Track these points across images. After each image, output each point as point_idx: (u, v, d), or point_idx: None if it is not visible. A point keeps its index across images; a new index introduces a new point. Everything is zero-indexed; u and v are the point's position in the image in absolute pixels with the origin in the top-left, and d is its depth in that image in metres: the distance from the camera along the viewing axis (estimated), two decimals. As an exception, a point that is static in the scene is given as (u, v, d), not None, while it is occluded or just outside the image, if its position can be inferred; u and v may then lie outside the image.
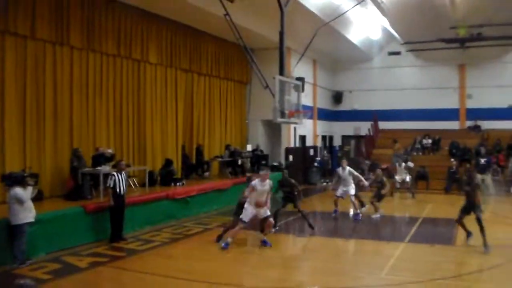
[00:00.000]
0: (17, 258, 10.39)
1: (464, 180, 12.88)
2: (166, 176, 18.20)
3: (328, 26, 21.05)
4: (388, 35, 28.90)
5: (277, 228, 14.40)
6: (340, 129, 33.46)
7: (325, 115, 31.68)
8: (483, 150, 24.59)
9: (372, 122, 30.70)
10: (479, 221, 11.77)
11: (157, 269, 10.50)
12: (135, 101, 18.29)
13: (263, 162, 24.07)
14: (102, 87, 16.81)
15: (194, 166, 21.43)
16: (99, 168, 14.65)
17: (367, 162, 25.99)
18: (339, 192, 16.70)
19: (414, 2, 22.95)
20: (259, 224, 12.94)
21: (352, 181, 16.53)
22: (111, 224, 12.92)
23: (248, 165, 24.08)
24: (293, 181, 15.22)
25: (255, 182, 12.62)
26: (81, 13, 15.62)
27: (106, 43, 16.66)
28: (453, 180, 22.69)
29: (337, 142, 33.66)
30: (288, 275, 10.57)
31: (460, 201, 13.05)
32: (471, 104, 30.11)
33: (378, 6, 22.20)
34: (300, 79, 18.69)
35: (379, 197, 16.75)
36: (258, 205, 12.44)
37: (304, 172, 26.59)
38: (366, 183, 16.67)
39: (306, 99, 25.42)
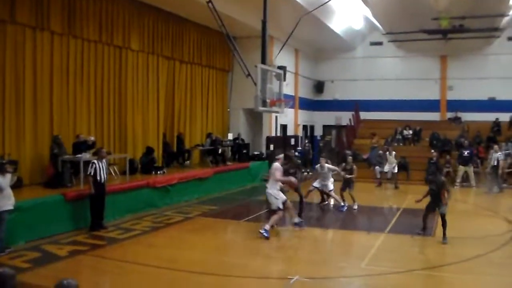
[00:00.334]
0: (-4, 246, 10.27)
1: (431, 169, 12.90)
2: (147, 164, 18.10)
3: (311, 15, 20.97)
4: (371, 25, 28.96)
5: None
6: (321, 119, 33.45)
7: (307, 105, 31.67)
8: (466, 142, 24.75)
9: (353, 112, 30.74)
10: (442, 217, 11.91)
11: (138, 258, 10.45)
12: (116, 88, 18.11)
13: (244, 151, 24.06)
14: (83, 74, 16.60)
15: (175, 155, 21.34)
16: (79, 155, 14.47)
17: (349, 152, 26.04)
18: (316, 183, 16.67)
19: (396, -8, 23.04)
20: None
21: (331, 176, 16.53)
22: (91, 213, 12.84)
23: (229, 154, 24.04)
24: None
25: (277, 164, 13.02)
26: (62, -2, 15.40)
27: (87, 29, 16.42)
28: (432, 172, 22.82)
29: (318, 131, 33.68)
30: (270, 265, 10.59)
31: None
32: (452, 95, 30.30)
33: (361, -5, 22.24)
34: (282, 68, 18.62)
35: (346, 184, 16.78)
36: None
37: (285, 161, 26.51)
38: (342, 173, 16.70)
39: (288, 88, 25.34)
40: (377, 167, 24.43)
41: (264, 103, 16.43)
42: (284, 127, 27.85)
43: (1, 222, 10.35)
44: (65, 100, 15.91)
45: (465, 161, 22.34)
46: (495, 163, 20.78)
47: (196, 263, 10.18)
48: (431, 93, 30.56)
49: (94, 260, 10.39)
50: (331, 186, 16.36)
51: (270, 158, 24.36)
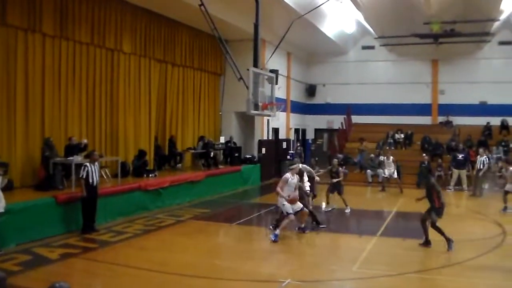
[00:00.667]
0: (-14, 249, 10.22)
1: (423, 172, 12.79)
2: (138, 167, 18.06)
3: (303, 19, 21.04)
4: (363, 29, 29.08)
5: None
6: (313, 122, 33.56)
7: (299, 108, 31.74)
8: (460, 145, 24.86)
9: (345, 116, 30.80)
10: (432, 225, 11.58)
11: (130, 261, 10.43)
12: (108, 90, 18.06)
13: (236, 154, 24.06)
14: (75, 76, 16.54)
15: (167, 158, 21.33)
16: (71, 158, 14.43)
17: (340, 156, 26.12)
18: None
19: (388, -4, 23.12)
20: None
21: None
22: (83, 215, 12.80)
23: (221, 157, 24.03)
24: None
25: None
26: (54, 0, 15.33)
27: (79, 31, 16.37)
28: (425, 175, 22.87)
29: (310, 135, 33.76)
30: (262, 268, 10.55)
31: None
32: (443, 99, 30.47)
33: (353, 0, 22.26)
34: (274, 71, 18.65)
35: (334, 187, 16.79)
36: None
37: (276, 165, 26.60)
38: (317, 178, 16.40)
39: (280, 92, 25.43)
40: (368, 171, 24.53)
41: (256, 107, 16.44)
42: (276, 131, 27.87)
43: (-8, 224, 10.31)
44: (57, 103, 15.84)
45: (459, 165, 22.39)
46: (481, 167, 20.88)
47: (187, 266, 10.15)
48: (423, 97, 30.69)
49: (86, 263, 10.37)
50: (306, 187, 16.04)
51: (261, 161, 24.49)
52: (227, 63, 21.36)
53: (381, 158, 23.68)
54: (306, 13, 20.64)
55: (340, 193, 16.72)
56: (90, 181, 12.71)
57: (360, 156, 26.06)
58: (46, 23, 15.03)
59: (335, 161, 17.69)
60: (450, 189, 21.88)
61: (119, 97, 18.42)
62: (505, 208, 16.35)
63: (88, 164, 12.84)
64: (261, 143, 25.45)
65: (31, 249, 11.01)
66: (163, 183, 17.05)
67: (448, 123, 29.58)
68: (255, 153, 25.31)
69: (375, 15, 25.10)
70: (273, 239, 12.18)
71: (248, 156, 24.96)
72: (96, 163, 13.14)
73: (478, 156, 21.39)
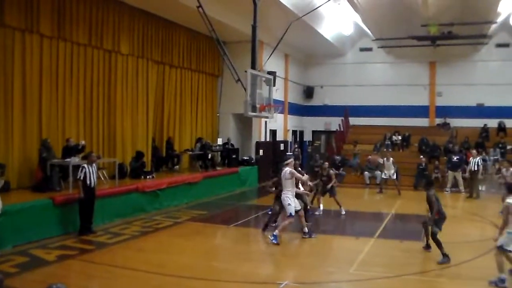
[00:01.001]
0: (-17, 250, 10.19)
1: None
2: (136, 169, 18.03)
3: (301, 21, 21.02)
4: (360, 31, 29.05)
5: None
6: (310, 124, 33.51)
7: (296, 110, 31.72)
8: (455, 148, 24.93)
9: (342, 118, 30.82)
10: (433, 237, 11.16)
11: (127, 262, 10.41)
12: (106, 92, 18.05)
13: (233, 156, 24.03)
14: (72, 77, 16.52)
15: (164, 159, 21.30)
16: (68, 159, 14.40)
17: (338, 157, 26.15)
18: None
19: (386, -1, 23.15)
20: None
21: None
22: (80, 217, 12.75)
23: (218, 158, 24.01)
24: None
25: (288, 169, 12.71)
26: (52, 1, 15.32)
27: (77, 32, 16.36)
28: (422, 177, 22.91)
29: (307, 137, 33.73)
30: (259, 270, 10.53)
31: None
32: (440, 101, 30.50)
33: (351, 1, 22.25)
34: (272, 73, 18.66)
35: (324, 191, 16.80)
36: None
37: (274, 166, 26.56)
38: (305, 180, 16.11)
39: (277, 94, 25.48)
40: (366, 172, 24.57)
41: (253, 108, 16.44)
42: (273, 132, 27.86)
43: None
44: (54, 104, 15.82)
45: (454, 167, 22.45)
46: (475, 168, 20.95)
47: (185, 268, 10.15)
48: (420, 99, 30.69)
49: (83, 264, 10.32)
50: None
51: (258, 163, 24.47)
52: (224, 64, 21.37)
53: (380, 160, 23.68)
54: (304, 15, 20.63)
55: (332, 195, 16.71)
56: (88, 182, 12.67)
57: (354, 159, 26.07)
58: (43, 24, 15.01)
59: (326, 164, 17.66)
60: (447, 191, 21.92)
61: (117, 99, 18.40)
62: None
63: (85, 165, 12.80)
64: (259, 144, 25.44)
65: (28, 251, 10.98)
66: (161, 185, 17.01)
67: (445, 125, 29.61)
68: (253, 155, 25.32)
69: (373, 17, 25.11)
70: (274, 242, 12.10)
71: (245, 158, 24.96)
72: (94, 165, 13.10)
73: (471, 158, 21.48)
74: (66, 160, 14.46)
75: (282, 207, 13.06)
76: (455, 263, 10.46)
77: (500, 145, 25.78)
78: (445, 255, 10.90)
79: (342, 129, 30.61)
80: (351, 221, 16.15)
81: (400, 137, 28.81)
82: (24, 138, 14.79)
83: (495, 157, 23.61)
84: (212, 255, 11.71)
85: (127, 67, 18.97)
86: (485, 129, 27.94)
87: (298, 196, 13.28)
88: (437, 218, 11.23)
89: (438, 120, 30.38)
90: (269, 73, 18.49)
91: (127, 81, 18.93)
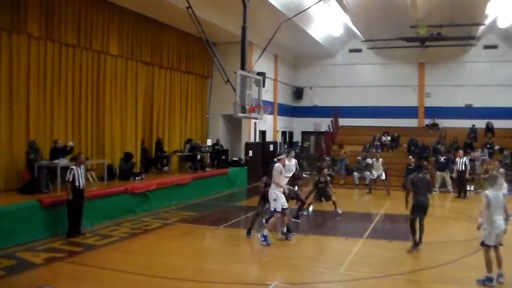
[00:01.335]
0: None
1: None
2: (125, 170, 17.95)
3: (291, 22, 21.07)
4: (350, 32, 29.12)
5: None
6: (300, 125, 33.56)
7: (286, 111, 31.72)
8: (442, 148, 25.04)
9: (332, 119, 30.87)
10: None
11: (116, 265, 10.34)
12: (95, 93, 17.94)
13: (223, 157, 23.99)
14: (60, 78, 16.41)
15: (154, 160, 21.25)
16: (56, 161, 14.32)
17: (328, 158, 26.15)
18: None
19: (376, 0, 23.15)
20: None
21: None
22: (69, 219, 12.65)
23: (208, 160, 23.96)
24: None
25: (279, 165, 12.62)
26: (40, 0, 15.19)
27: (65, 33, 16.24)
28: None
29: (297, 138, 33.74)
30: (249, 271, 10.55)
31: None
32: (429, 102, 30.69)
33: (340, 3, 22.30)
34: (261, 74, 18.68)
35: (323, 196, 16.85)
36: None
37: (263, 167, 26.56)
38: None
39: (267, 95, 25.43)
40: (355, 173, 24.59)
41: (243, 109, 16.46)
42: (263, 133, 27.85)
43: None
44: (42, 105, 15.71)
45: (441, 167, 22.55)
46: (462, 168, 21.08)
47: (174, 269, 10.12)
48: (409, 100, 30.87)
49: (71, 267, 10.24)
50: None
51: (248, 164, 24.45)
52: (214, 65, 21.32)
53: (369, 160, 23.74)
54: (294, 16, 20.67)
55: (328, 199, 16.76)
56: (77, 184, 12.58)
57: (341, 163, 26.03)
58: (31, 24, 14.88)
59: (325, 171, 17.71)
60: (435, 191, 21.97)
61: (106, 100, 18.30)
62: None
63: (74, 167, 12.72)
64: (248, 145, 25.40)
65: (15, 254, 10.87)
66: (150, 186, 16.93)
67: (434, 126, 29.79)
68: (242, 156, 25.29)
69: (363, 18, 25.19)
70: (265, 243, 12.07)
71: (235, 159, 24.95)
72: (82, 166, 13.03)
73: (458, 158, 21.60)
74: (54, 161, 14.39)
75: (266, 209, 13.15)
76: (443, 263, 10.51)
77: (488, 146, 25.92)
78: (416, 242, 11.48)
79: (331, 130, 30.65)
80: (341, 222, 16.13)
81: (389, 138, 28.91)
82: (11, 140, 14.68)
83: (483, 158, 23.70)
84: (201, 257, 11.67)
85: (116, 68, 18.89)
86: (473, 130, 28.12)
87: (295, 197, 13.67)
88: (413, 205, 11.70)
89: (427, 121, 30.60)
90: (259, 74, 18.50)
91: (116, 82, 18.85)
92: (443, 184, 22.52)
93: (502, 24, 25.38)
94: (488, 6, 22.05)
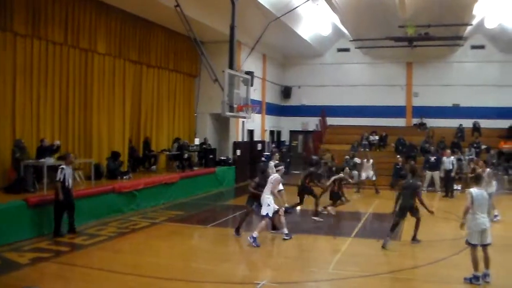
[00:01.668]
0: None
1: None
2: (112, 169, 17.85)
3: (279, 21, 21.05)
4: (338, 31, 29.18)
5: None
6: (288, 124, 33.59)
7: (274, 110, 31.75)
8: (432, 148, 25.17)
9: (320, 118, 30.91)
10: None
11: (103, 264, 10.29)
12: (82, 91, 17.80)
13: (211, 156, 23.94)
14: (47, 77, 16.26)
15: (141, 159, 21.16)
16: (43, 160, 14.20)
17: (315, 157, 26.07)
18: None
19: (364, 0, 23.21)
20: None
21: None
22: (56, 219, 12.55)
23: (195, 159, 23.90)
24: None
25: (278, 175, 13.08)
26: (26, -2, 15.06)
27: (52, 31, 16.09)
28: (398, 176, 23.03)
29: (285, 137, 33.77)
30: (237, 270, 10.54)
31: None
32: (417, 102, 30.86)
33: (329, 2, 22.31)
34: (250, 73, 18.63)
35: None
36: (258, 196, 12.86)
37: (251, 166, 26.57)
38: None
39: (255, 94, 25.46)
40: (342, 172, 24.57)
41: (231, 108, 16.46)
42: (251, 132, 27.83)
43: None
44: (28, 103, 15.55)
45: (431, 167, 22.61)
46: (450, 168, 21.21)
47: (162, 269, 10.08)
48: (397, 99, 31.01)
49: (58, 267, 10.17)
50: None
51: (236, 163, 24.42)
52: (202, 64, 21.26)
53: (357, 159, 23.76)
54: (282, 15, 20.66)
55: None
56: (66, 184, 12.52)
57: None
58: (17, 22, 14.73)
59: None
60: (423, 190, 22.02)
61: (93, 98, 18.17)
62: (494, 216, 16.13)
63: (64, 166, 12.65)
64: (236, 145, 25.39)
65: (0, 254, 10.77)
66: (137, 185, 16.88)
67: (422, 125, 29.95)
68: (230, 155, 25.26)
69: (351, 18, 25.23)
70: (254, 245, 12.02)
71: (223, 158, 24.91)
72: (70, 166, 12.95)
73: (445, 157, 21.70)
74: (40, 160, 14.28)
75: (255, 208, 13.19)
76: (431, 261, 10.58)
77: (475, 145, 26.07)
78: (387, 237, 11.96)
79: (319, 129, 30.69)
80: (329, 221, 16.13)
81: (377, 137, 29.04)
82: (-4, 139, 14.55)
83: (470, 157, 23.83)
84: (189, 256, 11.66)
85: (104, 66, 18.76)
86: (460, 129, 28.32)
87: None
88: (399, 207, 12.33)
89: (415, 120, 30.77)
90: (247, 73, 18.47)
91: (103, 81, 18.71)
92: (431, 184, 22.58)
93: (489, 25, 25.55)
94: (476, 6, 22.20)
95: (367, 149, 27.49)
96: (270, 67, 30.60)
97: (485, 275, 9.12)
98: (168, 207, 17.64)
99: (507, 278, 9.59)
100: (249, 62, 22.15)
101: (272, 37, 23.49)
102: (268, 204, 12.42)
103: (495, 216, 15.44)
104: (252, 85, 18.48)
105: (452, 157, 21.68)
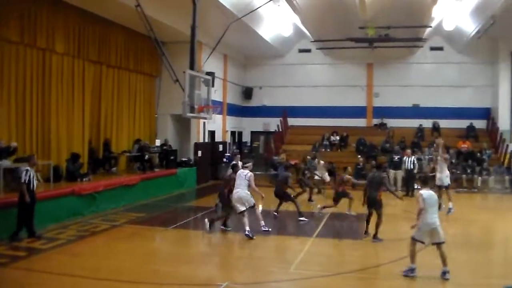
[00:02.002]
0: None
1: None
2: (72, 171, 17.56)
3: (240, 22, 21.03)
4: (299, 32, 29.29)
5: None
6: (249, 125, 33.58)
7: (235, 111, 31.71)
8: (397, 147, 25.49)
9: (281, 118, 31.00)
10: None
11: (63, 268, 10.09)
12: (39, 91, 17.44)
13: (172, 157, 23.79)
14: (3, 76, 15.91)
15: (101, 161, 20.88)
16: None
17: (276, 158, 26.18)
18: None
19: (325, 0, 23.35)
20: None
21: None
22: (20, 222, 12.29)
23: (156, 160, 23.71)
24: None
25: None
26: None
27: (7, 29, 15.71)
28: (359, 176, 23.22)
29: (246, 138, 33.77)
30: (199, 272, 10.43)
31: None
32: (378, 102, 31.25)
33: (290, 3, 22.38)
34: (211, 74, 18.67)
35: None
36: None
37: (213, 167, 26.52)
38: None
39: (216, 94, 25.45)
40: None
41: (192, 109, 16.44)
42: (212, 133, 27.76)
43: None
44: (-16, 104, 15.21)
45: (396, 166, 22.88)
46: (411, 167, 21.54)
47: (123, 271, 9.94)
48: (358, 99, 31.35)
49: (15, 273, 9.89)
50: None
51: (197, 165, 24.29)
52: (163, 65, 21.08)
53: (307, 157, 23.86)
54: (243, 16, 20.64)
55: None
56: (31, 186, 12.33)
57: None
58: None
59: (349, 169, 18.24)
60: (395, 189, 22.30)
61: (51, 99, 17.83)
62: (448, 210, 16.33)
63: (29, 168, 12.44)
64: (197, 146, 25.28)
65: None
66: (97, 187, 16.65)
67: (382, 125, 30.33)
68: (191, 156, 25.14)
69: (312, 18, 25.34)
70: (250, 235, 12.80)
71: (184, 159, 24.77)
72: (33, 168, 12.75)
73: (406, 157, 22.00)
74: (-4, 163, 13.97)
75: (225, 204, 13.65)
76: (392, 260, 10.70)
77: (435, 145, 26.43)
78: (366, 231, 12.71)
79: (280, 130, 30.79)
80: (291, 221, 16.19)
81: (338, 138, 29.30)
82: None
83: (430, 156, 24.20)
84: (151, 258, 11.53)
85: (63, 66, 18.43)
86: (420, 129, 28.80)
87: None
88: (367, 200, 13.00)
89: (375, 121, 31.14)
90: (208, 73, 18.47)
91: (62, 81, 18.38)
92: (394, 183, 22.85)
93: (447, 27, 25.98)
94: (434, 9, 22.56)
95: (328, 150, 27.70)
96: (231, 67, 30.56)
97: (444, 273, 9.36)
98: (128, 209, 17.43)
99: (473, 276, 9.84)
100: (210, 63, 22.06)
101: (233, 37, 23.48)
102: (247, 201, 13.02)
103: (450, 209, 15.72)
104: (213, 85, 18.51)
105: (413, 157, 21.97)
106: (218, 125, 28.28)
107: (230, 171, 15.03)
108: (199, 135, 25.89)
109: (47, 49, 17.57)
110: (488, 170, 24.69)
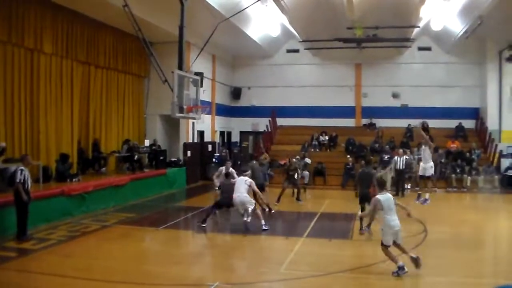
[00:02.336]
0: None
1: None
2: (61, 172, 17.51)
3: (228, 22, 21.03)
4: (288, 32, 29.31)
5: None
6: (238, 125, 33.58)
7: (224, 111, 31.72)
8: (387, 147, 25.58)
9: (270, 119, 31.06)
10: None
11: (54, 269, 10.07)
12: (28, 92, 17.37)
13: (161, 157, 23.77)
14: (-10, 77, 15.85)
15: (91, 161, 20.84)
16: (-12, 162, 13.87)
17: (261, 158, 26.21)
18: None
19: (313, 1, 23.43)
20: None
21: None
22: (19, 221, 12.30)
23: (146, 160, 23.69)
24: None
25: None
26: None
27: (-5, 29, 15.69)
28: (349, 176, 23.38)
29: (235, 138, 33.79)
30: (190, 272, 10.46)
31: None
32: (366, 102, 31.38)
33: (278, 3, 22.41)
34: (199, 74, 18.69)
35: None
36: None
37: (202, 167, 26.52)
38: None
39: (205, 95, 25.45)
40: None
41: (181, 109, 16.45)
42: (201, 134, 27.75)
43: None
44: (-28, 105, 15.13)
45: (386, 166, 22.97)
46: (402, 167, 21.64)
47: (114, 272, 9.93)
48: (346, 100, 31.43)
49: (5, 274, 9.85)
50: None
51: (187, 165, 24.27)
52: (151, 65, 21.08)
53: (307, 160, 23.90)
54: (231, 16, 20.65)
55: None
56: (26, 186, 12.33)
57: (263, 168, 25.80)
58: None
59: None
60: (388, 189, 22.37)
61: (40, 99, 17.76)
62: (423, 200, 16.31)
63: (24, 168, 12.45)
64: (186, 146, 25.29)
65: None
66: (87, 188, 16.62)
67: (371, 125, 30.45)
68: (181, 156, 25.15)
69: (300, 19, 25.40)
70: (267, 228, 14.13)
71: (173, 159, 24.77)
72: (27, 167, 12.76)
73: (396, 157, 22.09)
74: (-16, 163, 13.92)
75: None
76: (382, 260, 10.65)
77: (424, 145, 26.53)
78: (362, 227, 13.07)
79: (269, 130, 30.83)
80: (281, 221, 16.25)
81: (327, 138, 29.35)
82: None
83: (419, 156, 24.33)
84: (141, 258, 11.52)
85: (51, 67, 18.36)
86: (409, 129, 28.82)
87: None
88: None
89: (364, 121, 31.25)
90: (196, 74, 18.49)
91: (50, 81, 18.31)
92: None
93: (435, 27, 26.13)
94: (422, 9, 22.70)
95: (317, 150, 27.77)
96: (220, 68, 30.56)
97: (402, 267, 9.60)
98: (118, 210, 17.42)
99: (463, 275, 9.94)
100: (198, 63, 22.07)
101: (221, 37, 23.51)
102: (250, 202, 14.26)
103: (425, 200, 15.76)
104: (201, 86, 18.52)
105: (404, 156, 22.07)
106: (207, 125, 28.28)
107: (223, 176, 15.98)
108: (188, 135, 25.88)
109: (35, 49, 17.50)
110: (477, 169, 24.84)
